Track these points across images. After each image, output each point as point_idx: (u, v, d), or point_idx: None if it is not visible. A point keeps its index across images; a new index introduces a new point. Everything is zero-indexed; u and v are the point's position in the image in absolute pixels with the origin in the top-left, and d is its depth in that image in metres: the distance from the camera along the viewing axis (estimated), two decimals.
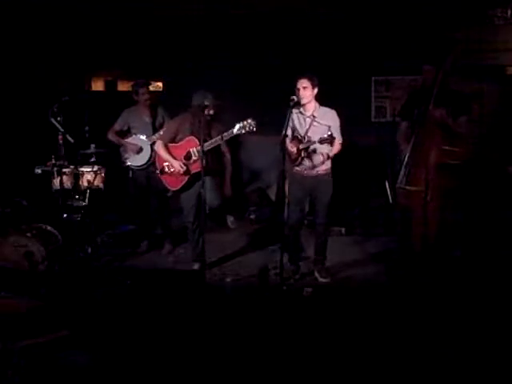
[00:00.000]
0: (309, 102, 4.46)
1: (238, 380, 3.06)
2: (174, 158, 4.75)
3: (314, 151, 4.47)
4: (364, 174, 6.89)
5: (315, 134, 4.41)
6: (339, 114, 4.60)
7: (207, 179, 4.56)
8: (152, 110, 5.42)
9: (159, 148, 4.83)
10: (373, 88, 7.28)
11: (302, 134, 4.47)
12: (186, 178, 4.73)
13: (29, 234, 4.52)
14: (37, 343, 3.12)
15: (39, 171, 4.87)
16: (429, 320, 3.76)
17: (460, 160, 4.74)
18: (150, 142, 5.31)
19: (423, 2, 6.12)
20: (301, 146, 4.44)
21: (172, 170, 4.78)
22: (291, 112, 4.32)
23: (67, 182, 4.89)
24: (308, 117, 4.49)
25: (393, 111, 7.08)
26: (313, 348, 3.39)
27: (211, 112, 4.65)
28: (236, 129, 4.50)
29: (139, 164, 5.39)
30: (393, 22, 6.61)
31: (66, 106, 4.87)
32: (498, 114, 6.79)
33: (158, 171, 4.90)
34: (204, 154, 4.43)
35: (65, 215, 4.89)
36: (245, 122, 4.48)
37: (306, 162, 4.53)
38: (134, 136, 5.40)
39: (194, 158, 4.67)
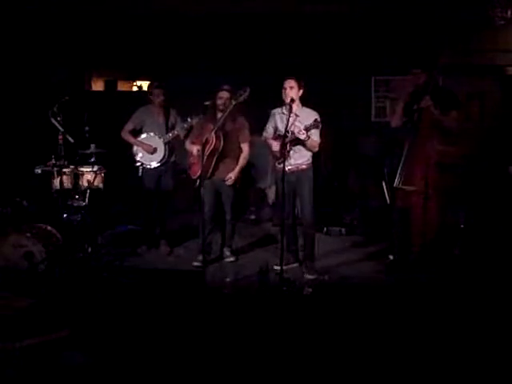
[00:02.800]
0: (293, 103, 4.54)
1: (238, 380, 3.06)
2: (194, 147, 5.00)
3: (298, 144, 4.60)
4: (364, 173, 6.89)
5: (296, 130, 4.53)
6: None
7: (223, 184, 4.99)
8: (165, 110, 5.43)
9: (187, 144, 5.17)
10: (373, 88, 7.29)
11: (286, 131, 4.54)
12: (202, 161, 4.76)
13: (29, 234, 4.51)
14: (37, 343, 3.12)
15: (39, 171, 4.86)
16: (428, 319, 3.76)
17: (458, 159, 4.75)
18: (164, 142, 5.34)
19: (423, 1, 6.12)
20: (286, 140, 4.53)
21: (194, 159, 4.99)
22: (291, 112, 4.39)
23: (67, 182, 4.88)
24: (290, 116, 4.55)
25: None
26: (313, 348, 3.39)
27: (222, 101, 4.87)
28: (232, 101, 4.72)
29: (153, 163, 5.39)
30: (393, 21, 6.61)
31: (65, 106, 4.87)
32: (498, 114, 6.79)
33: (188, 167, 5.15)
34: (218, 136, 4.83)
35: (65, 215, 4.89)
36: (240, 91, 4.69)
37: (289, 159, 4.64)
38: (146, 135, 5.41)
39: (209, 141, 4.83)
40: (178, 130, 5.28)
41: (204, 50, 7.10)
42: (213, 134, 4.80)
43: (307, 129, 4.46)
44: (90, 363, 3.09)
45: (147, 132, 5.41)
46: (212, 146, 4.82)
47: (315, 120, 4.46)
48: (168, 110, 5.45)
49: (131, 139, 5.42)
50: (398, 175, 4.74)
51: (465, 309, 3.93)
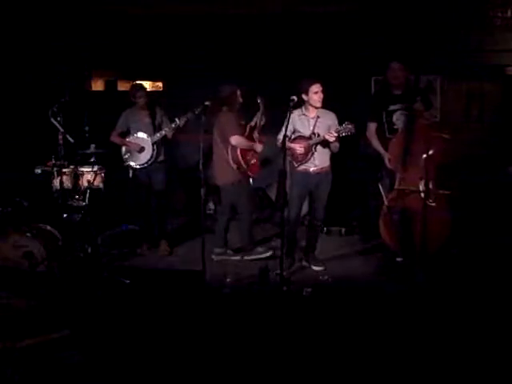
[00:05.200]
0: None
1: (238, 380, 3.06)
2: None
3: (323, 146, 4.69)
4: (364, 173, 6.88)
5: (320, 131, 4.65)
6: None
7: None
8: (150, 110, 5.44)
9: (242, 141, 5.02)
10: (373, 88, 7.28)
11: (309, 133, 4.70)
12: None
13: (29, 234, 4.51)
14: (37, 343, 3.13)
15: (39, 171, 4.86)
16: (428, 319, 3.76)
17: (455, 158, 4.78)
18: (152, 141, 5.34)
19: (424, 2, 6.12)
20: (312, 142, 4.66)
21: (254, 159, 5.17)
22: (291, 112, 4.39)
23: (67, 182, 4.88)
24: (312, 118, 4.70)
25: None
26: (313, 348, 3.39)
27: (240, 100, 5.11)
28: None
29: (141, 163, 5.38)
30: (393, 21, 6.61)
31: (65, 106, 4.87)
32: (498, 114, 6.79)
33: (245, 168, 5.08)
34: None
35: (65, 215, 4.89)
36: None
37: (313, 160, 4.72)
38: (134, 135, 5.42)
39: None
40: (166, 130, 5.27)
41: (204, 50, 7.09)
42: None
43: (339, 132, 4.49)
44: (89, 363, 3.09)
45: (134, 133, 5.43)
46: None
47: (346, 124, 4.48)
48: (154, 110, 5.45)
49: (119, 140, 5.44)
50: (398, 176, 4.74)
51: (464, 309, 3.93)
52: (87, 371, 3.03)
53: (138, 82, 5.85)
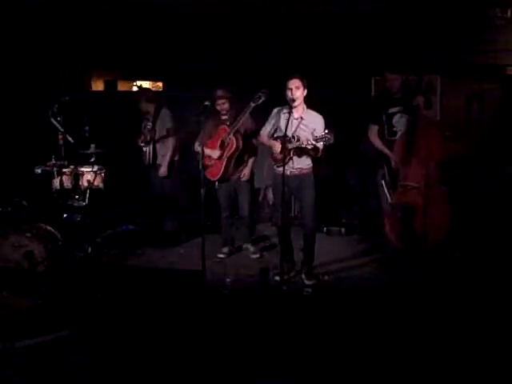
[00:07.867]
0: (299, 104, 4.42)
1: (238, 380, 3.07)
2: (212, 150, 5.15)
3: (302, 151, 4.42)
4: (364, 173, 6.88)
5: (302, 135, 4.36)
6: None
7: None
8: (155, 113, 5.41)
9: (196, 146, 5.16)
10: (373, 88, 7.28)
11: (291, 135, 4.39)
12: (224, 164, 5.08)
13: (29, 234, 4.52)
14: (37, 343, 3.13)
15: (39, 171, 4.87)
16: (428, 320, 3.76)
17: (458, 158, 4.79)
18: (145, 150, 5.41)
19: (424, 2, 6.12)
20: (290, 146, 4.37)
21: (211, 161, 5.15)
22: (286, 112, 4.33)
23: (67, 182, 4.89)
24: (296, 119, 4.43)
25: None
26: (313, 348, 3.39)
27: (225, 106, 5.09)
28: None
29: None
30: (393, 21, 6.61)
31: (65, 106, 4.88)
32: (498, 114, 6.79)
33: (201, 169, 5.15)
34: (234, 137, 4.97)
35: (65, 215, 4.89)
36: (259, 94, 4.66)
37: (291, 163, 4.47)
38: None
39: (226, 142, 5.05)
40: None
41: (204, 50, 7.09)
42: (232, 136, 4.96)
43: (316, 140, 4.22)
44: (89, 363, 3.09)
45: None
46: (233, 148, 4.98)
47: (326, 133, 4.17)
48: (156, 115, 5.46)
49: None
50: (400, 173, 4.76)
51: (465, 311, 3.93)
52: (87, 371, 3.03)
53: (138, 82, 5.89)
